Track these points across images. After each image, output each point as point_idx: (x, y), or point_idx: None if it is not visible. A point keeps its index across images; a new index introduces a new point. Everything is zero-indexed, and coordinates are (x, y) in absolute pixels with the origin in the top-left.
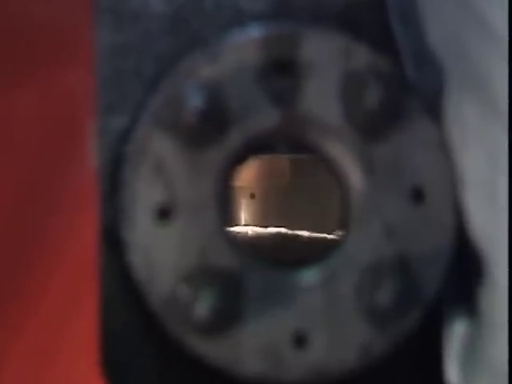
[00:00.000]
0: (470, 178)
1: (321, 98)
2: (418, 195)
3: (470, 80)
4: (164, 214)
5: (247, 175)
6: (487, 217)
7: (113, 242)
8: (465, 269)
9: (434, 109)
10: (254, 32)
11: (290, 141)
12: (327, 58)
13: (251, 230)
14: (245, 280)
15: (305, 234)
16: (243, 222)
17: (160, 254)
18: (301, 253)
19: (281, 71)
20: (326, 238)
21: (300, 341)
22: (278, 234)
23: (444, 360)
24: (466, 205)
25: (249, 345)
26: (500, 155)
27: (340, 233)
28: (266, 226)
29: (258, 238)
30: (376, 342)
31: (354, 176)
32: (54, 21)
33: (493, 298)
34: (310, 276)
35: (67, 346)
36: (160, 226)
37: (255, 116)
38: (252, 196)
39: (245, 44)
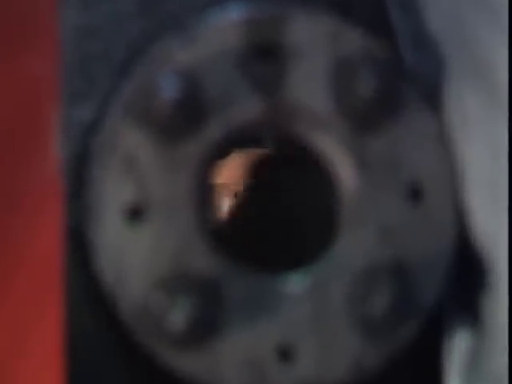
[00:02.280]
0: (472, 175)
1: (308, 86)
2: (416, 193)
3: (473, 68)
4: (135, 214)
5: (231, 171)
6: (490, 216)
7: (79, 244)
8: (467, 274)
9: (433, 98)
10: (235, 13)
11: (276, 133)
12: (315, 42)
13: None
14: (225, 287)
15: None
16: (226, 222)
17: (131, 257)
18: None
19: (264, 56)
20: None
21: (286, 354)
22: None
23: (444, 374)
24: (468, 203)
25: (229, 358)
26: (504, 149)
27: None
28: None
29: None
30: (370, 354)
31: (346, 172)
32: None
33: (497, 305)
34: (296, 282)
35: (29, 356)
36: (131, 227)
37: (236, 105)
38: (236, 195)
39: (225, 26)
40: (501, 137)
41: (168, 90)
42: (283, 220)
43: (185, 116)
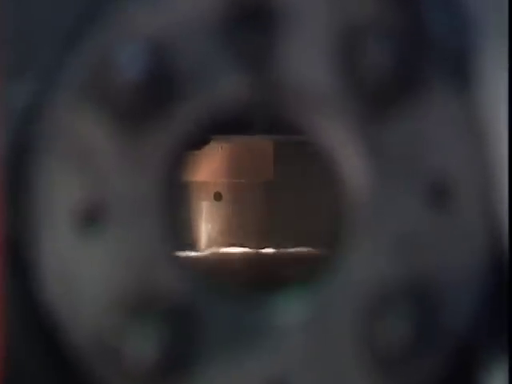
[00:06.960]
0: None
1: (305, 59)
2: (440, 194)
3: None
4: (89, 219)
5: (210, 166)
6: None
7: (18, 259)
8: (504, 296)
9: (463, 76)
10: None
11: (266, 117)
12: (314, 6)
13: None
14: (201, 312)
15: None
16: (204, 233)
17: (84, 274)
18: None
19: (250, 21)
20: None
21: None
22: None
23: None
24: (504, 206)
25: None
26: None
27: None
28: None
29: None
30: None
31: (354, 167)
32: None
33: None
34: (290, 310)
35: None
36: (84, 236)
37: (215, 83)
38: (217, 196)
39: None
40: None
41: (130, 65)
42: None
43: (151, 97)
